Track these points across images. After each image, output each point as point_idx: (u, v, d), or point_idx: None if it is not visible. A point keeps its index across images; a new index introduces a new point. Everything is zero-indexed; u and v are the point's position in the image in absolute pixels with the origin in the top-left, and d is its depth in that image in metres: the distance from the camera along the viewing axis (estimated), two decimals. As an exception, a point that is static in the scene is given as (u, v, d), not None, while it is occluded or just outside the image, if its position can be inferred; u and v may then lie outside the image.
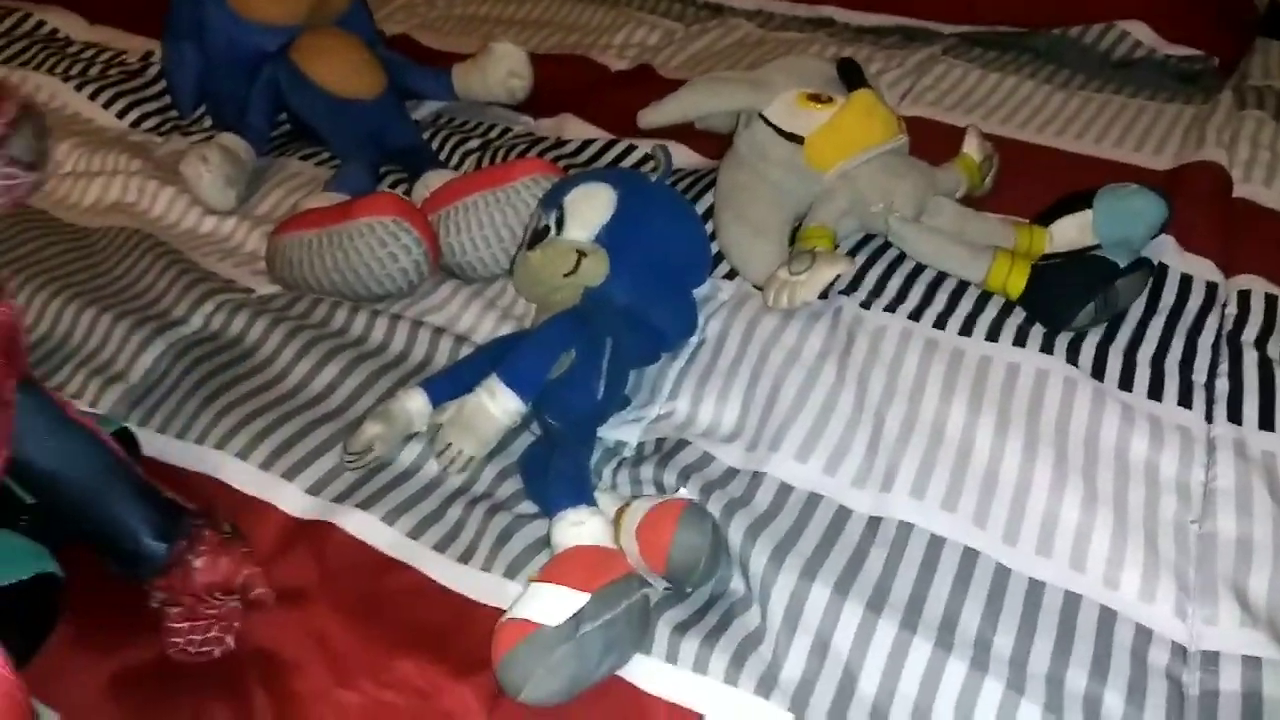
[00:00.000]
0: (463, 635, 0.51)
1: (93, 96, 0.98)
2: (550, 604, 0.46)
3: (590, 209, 0.64)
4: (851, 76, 0.75)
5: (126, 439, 0.58)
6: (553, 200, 0.66)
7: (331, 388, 0.65)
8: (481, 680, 0.48)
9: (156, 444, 0.61)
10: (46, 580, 0.50)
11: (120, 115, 0.97)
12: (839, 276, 0.66)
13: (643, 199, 0.67)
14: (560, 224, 0.63)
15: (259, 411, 0.63)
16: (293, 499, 0.58)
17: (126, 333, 0.69)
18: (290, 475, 0.59)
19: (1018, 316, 0.67)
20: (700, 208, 0.76)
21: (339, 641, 0.51)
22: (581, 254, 0.61)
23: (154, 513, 0.51)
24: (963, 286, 0.69)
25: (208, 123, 0.95)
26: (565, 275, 0.62)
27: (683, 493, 0.53)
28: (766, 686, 0.47)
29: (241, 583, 0.51)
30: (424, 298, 0.73)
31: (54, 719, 0.48)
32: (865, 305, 0.69)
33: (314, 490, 0.59)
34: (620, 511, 0.52)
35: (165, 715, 0.50)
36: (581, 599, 0.46)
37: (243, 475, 0.59)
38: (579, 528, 0.51)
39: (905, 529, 0.55)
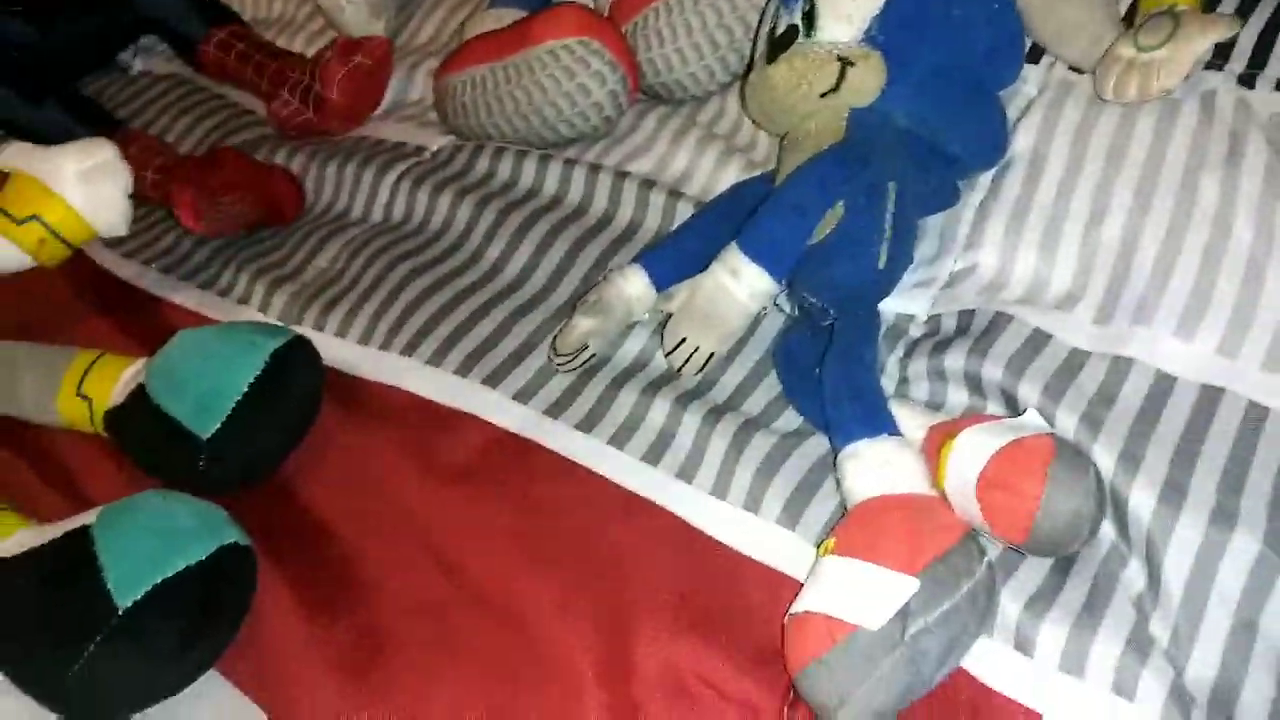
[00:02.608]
0: (740, 605, 0.39)
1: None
2: (865, 594, 0.33)
3: (852, -3, 0.45)
4: None
5: (300, 349, 0.48)
6: (794, -13, 0.47)
7: (529, 270, 0.53)
8: (771, 676, 0.36)
9: (333, 350, 0.51)
10: (231, 552, 0.41)
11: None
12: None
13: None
14: (811, 21, 0.45)
15: (448, 308, 0.51)
16: (499, 410, 0.47)
17: (298, 231, 0.59)
18: (492, 382, 0.48)
19: None
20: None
21: (569, 600, 0.40)
22: (846, 62, 0.44)
23: None
24: None
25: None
26: (823, 95, 0.44)
27: (1034, 418, 0.37)
28: (1180, 703, 0.33)
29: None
30: (625, 137, 0.58)
31: (261, 718, 0.40)
32: (1246, 81, 0.48)
33: (522, 397, 0.47)
34: (940, 440, 0.37)
35: (383, 699, 0.41)
36: (907, 585, 0.33)
37: (434, 385, 0.48)
38: (883, 470, 0.37)
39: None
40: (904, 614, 0.33)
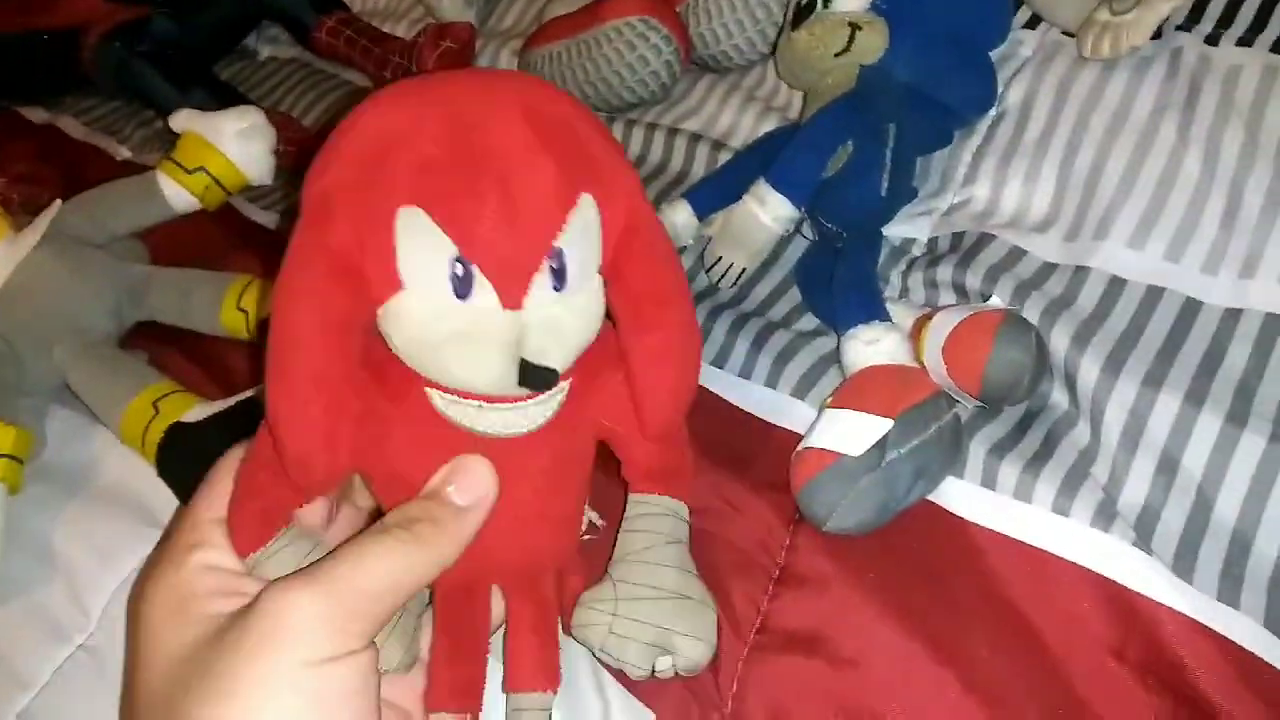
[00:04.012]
0: (758, 453, 0.48)
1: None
2: (850, 431, 0.43)
3: (860, -29, 0.55)
4: None
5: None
6: (815, -33, 0.57)
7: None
8: (781, 499, 0.45)
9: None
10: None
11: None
12: (1175, 9, 0.53)
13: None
14: (827, -6, 0.55)
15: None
16: None
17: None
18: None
19: None
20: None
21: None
22: (855, 27, 0.53)
23: None
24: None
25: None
26: (837, 55, 0.54)
27: (995, 302, 0.47)
28: (1105, 517, 0.41)
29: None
30: (679, 100, 0.67)
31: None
32: (1212, 40, 0.55)
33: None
34: (921, 324, 0.46)
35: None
36: (884, 424, 0.42)
37: None
38: (874, 346, 0.46)
39: (1275, 323, 0.45)
40: (882, 445, 0.42)
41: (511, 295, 0.28)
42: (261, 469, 0.32)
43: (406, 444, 0.32)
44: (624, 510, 0.39)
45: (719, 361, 0.52)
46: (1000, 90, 0.57)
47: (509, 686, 0.36)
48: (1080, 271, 0.50)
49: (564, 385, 0.33)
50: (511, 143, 0.28)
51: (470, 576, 0.36)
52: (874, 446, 0.42)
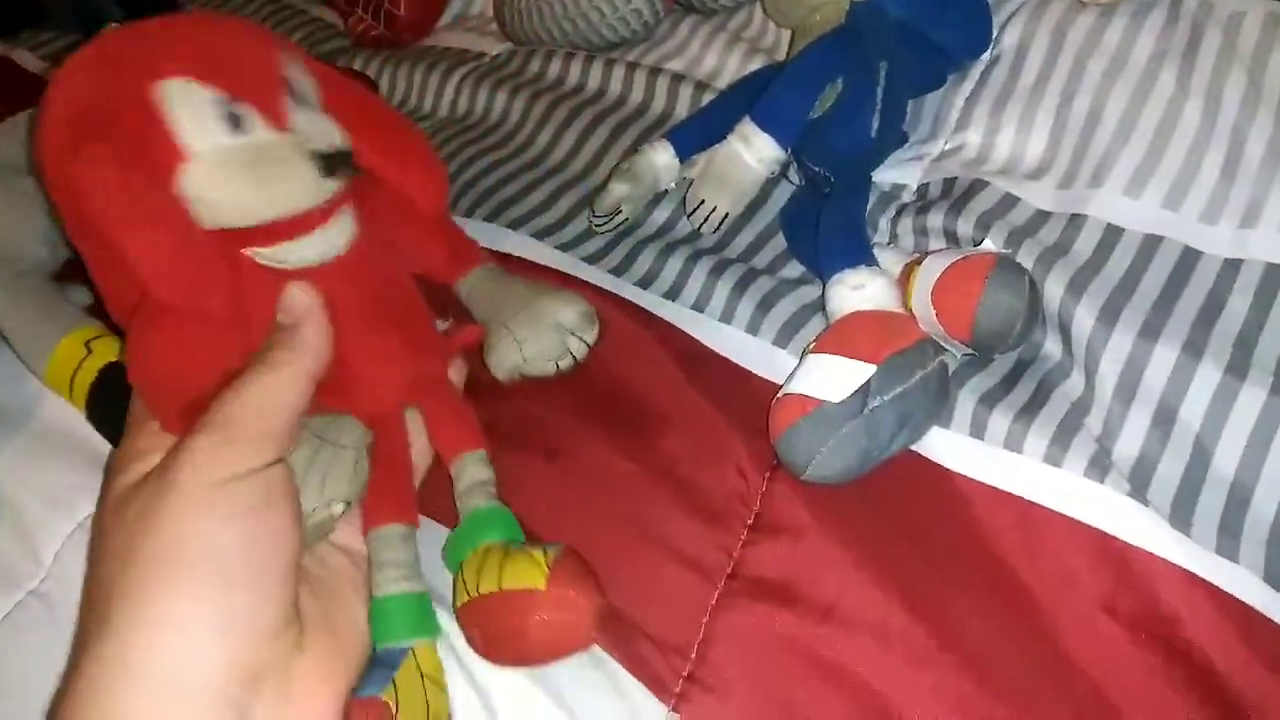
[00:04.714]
0: (736, 399, 0.46)
1: None
2: (832, 377, 0.40)
3: (851, -98, 0.52)
4: None
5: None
6: (805, -102, 0.54)
7: (573, 152, 0.60)
8: (758, 446, 0.43)
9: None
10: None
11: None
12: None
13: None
14: (817, -75, 0.52)
15: (504, 180, 0.59)
16: (548, 256, 0.54)
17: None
18: (539, 236, 0.55)
19: None
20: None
21: (607, 401, 0.47)
22: (846, -41, 0.50)
23: None
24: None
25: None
26: (826, -11, 0.51)
27: (988, 245, 0.44)
28: (1099, 468, 0.40)
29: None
30: (662, 41, 0.65)
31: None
32: (1214, -15, 0.53)
33: (564, 249, 0.54)
34: (909, 270, 0.44)
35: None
36: (868, 370, 0.40)
37: (487, 236, 0.55)
38: (859, 291, 0.44)
39: (1276, 273, 0.44)
40: (864, 391, 0.40)
41: (277, 115, 0.33)
42: (167, 377, 0.35)
43: (257, 309, 0.36)
44: (459, 296, 0.48)
45: (699, 305, 0.50)
46: (995, 33, 0.55)
47: (447, 450, 0.42)
48: (1075, 219, 0.48)
49: (347, 211, 0.38)
50: (228, 26, 0.35)
51: (370, 404, 0.40)
52: (856, 393, 0.40)
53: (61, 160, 0.32)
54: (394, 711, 0.35)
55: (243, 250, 0.35)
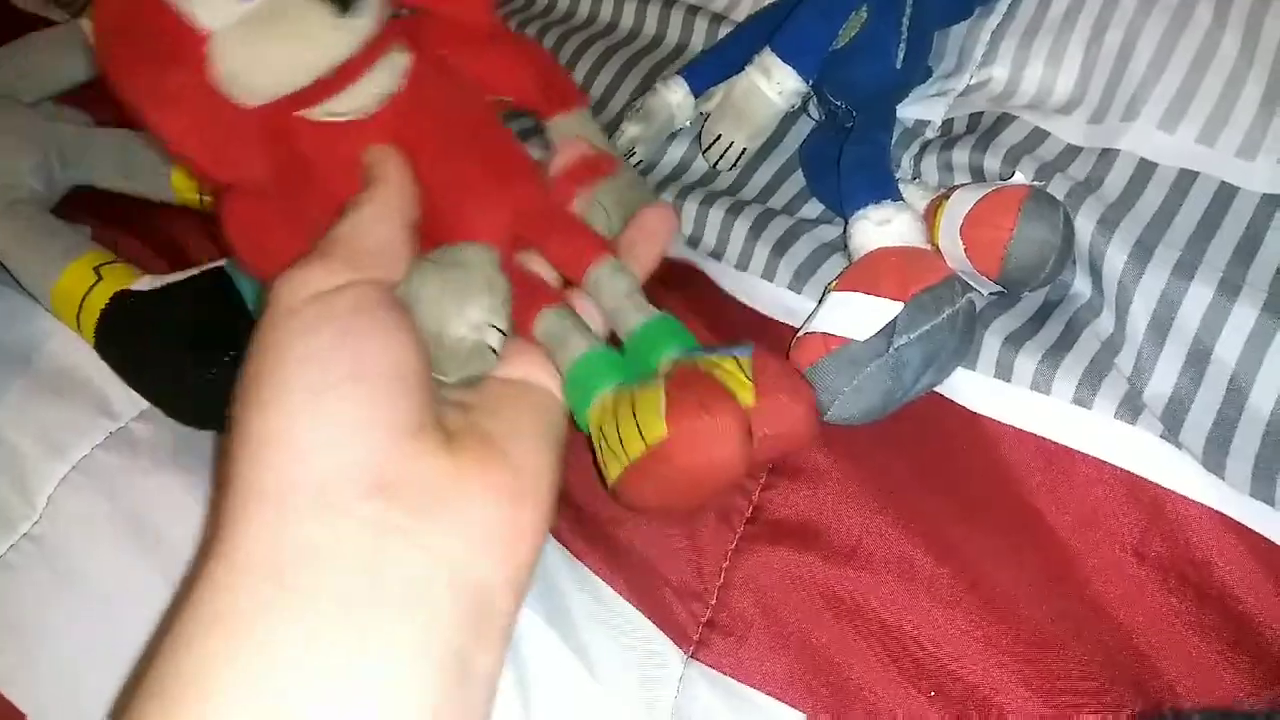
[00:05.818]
0: (755, 343, 0.44)
1: None
2: (857, 315, 0.39)
3: None
4: None
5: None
6: None
7: (585, 85, 0.58)
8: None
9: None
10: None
11: None
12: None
13: None
14: None
15: (511, 120, 0.57)
16: None
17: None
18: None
19: None
20: None
21: None
22: (872, -122, 0.48)
23: None
24: None
25: None
26: (851, -89, 0.49)
27: (1019, 178, 0.43)
28: (1130, 409, 0.38)
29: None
30: (677, -29, 0.62)
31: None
32: (1253, -86, 0.51)
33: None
34: (936, 205, 0.43)
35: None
36: (894, 308, 0.39)
37: None
38: (884, 227, 0.42)
39: (1315, 209, 0.42)
40: (890, 330, 0.39)
41: None
42: (251, 249, 0.36)
43: (325, 167, 0.36)
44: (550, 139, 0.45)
45: (717, 252, 0.49)
46: (1025, -38, 0.53)
47: (576, 272, 0.39)
48: (1107, 154, 0.46)
49: (395, 50, 0.37)
50: None
51: (490, 232, 0.38)
52: (881, 331, 0.39)
53: (111, 74, 0.33)
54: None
55: (296, 113, 0.35)
